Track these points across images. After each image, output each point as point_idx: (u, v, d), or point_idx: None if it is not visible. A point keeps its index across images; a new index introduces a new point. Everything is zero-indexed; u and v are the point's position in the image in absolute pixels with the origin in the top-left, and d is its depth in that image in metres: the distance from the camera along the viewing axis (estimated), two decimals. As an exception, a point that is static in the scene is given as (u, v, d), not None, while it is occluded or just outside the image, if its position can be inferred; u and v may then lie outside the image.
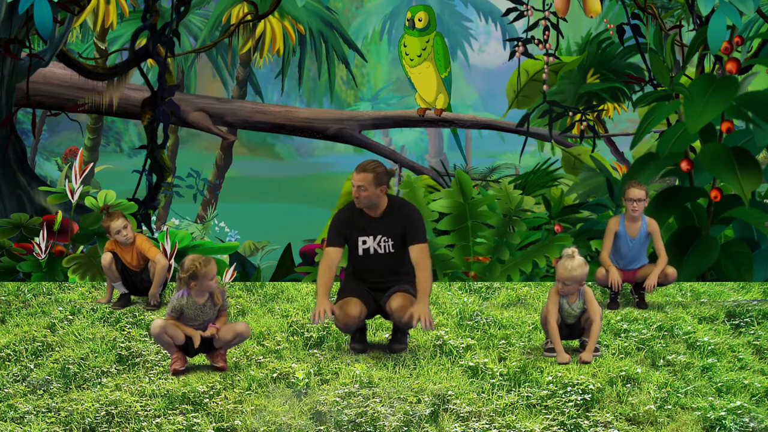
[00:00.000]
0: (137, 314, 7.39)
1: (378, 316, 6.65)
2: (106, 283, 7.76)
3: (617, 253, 7.60)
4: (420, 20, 11.73)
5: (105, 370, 6.28)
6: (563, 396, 5.77)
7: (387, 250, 6.48)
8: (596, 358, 6.38)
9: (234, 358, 6.39)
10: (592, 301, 6.43)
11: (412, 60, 11.85)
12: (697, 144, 8.40)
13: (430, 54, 11.81)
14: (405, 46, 11.86)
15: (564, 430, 5.43)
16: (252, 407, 5.66)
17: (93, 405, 5.70)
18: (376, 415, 5.51)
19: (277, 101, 21.29)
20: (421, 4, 12.25)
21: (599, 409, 5.68)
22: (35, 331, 7.04)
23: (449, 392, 5.81)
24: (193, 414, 5.58)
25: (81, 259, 8.38)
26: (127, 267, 7.65)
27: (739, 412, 5.65)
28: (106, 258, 7.61)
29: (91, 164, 9.79)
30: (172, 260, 7.84)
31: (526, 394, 5.80)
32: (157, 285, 7.54)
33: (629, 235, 7.56)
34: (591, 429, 5.44)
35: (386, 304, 6.46)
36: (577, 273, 6.32)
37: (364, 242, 6.48)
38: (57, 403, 5.81)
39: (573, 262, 6.35)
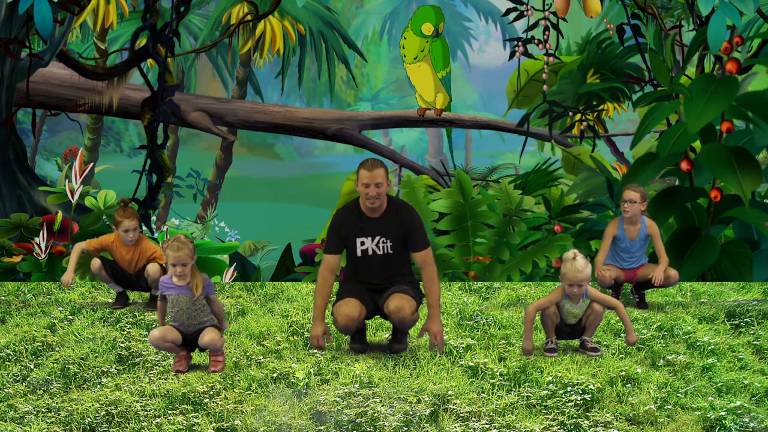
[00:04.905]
0: (137, 314, 7.39)
1: (378, 316, 6.65)
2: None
3: (616, 255, 7.60)
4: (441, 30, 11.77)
5: (105, 370, 6.28)
6: (563, 396, 5.77)
7: (386, 251, 6.46)
8: (596, 357, 6.38)
9: (234, 358, 6.39)
10: (600, 294, 6.47)
11: (406, 56, 11.87)
12: (697, 144, 8.40)
13: (426, 56, 11.81)
14: (405, 39, 11.85)
15: (564, 430, 5.43)
16: (252, 407, 5.66)
17: (93, 405, 5.70)
18: (376, 415, 5.51)
19: (277, 101, 21.29)
20: (426, 5, 12.22)
21: (599, 409, 5.68)
22: (35, 331, 7.04)
23: (449, 392, 5.81)
24: (193, 414, 5.58)
25: (81, 259, 8.37)
26: (120, 266, 7.57)
27: (739, 412, 5.65)
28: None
29: (91, 164, 9.78)
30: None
31: (526, 394, 5.80)
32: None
33: (628, 238, 7.56)
34: (591, 429, 5.44)
35: (384, 305, 6.45)
36: (588, 271, 6.38)
37: (363, 243, 6.46)
38: (57, 403, 5.81)
39: (579, 262, 6.37)
